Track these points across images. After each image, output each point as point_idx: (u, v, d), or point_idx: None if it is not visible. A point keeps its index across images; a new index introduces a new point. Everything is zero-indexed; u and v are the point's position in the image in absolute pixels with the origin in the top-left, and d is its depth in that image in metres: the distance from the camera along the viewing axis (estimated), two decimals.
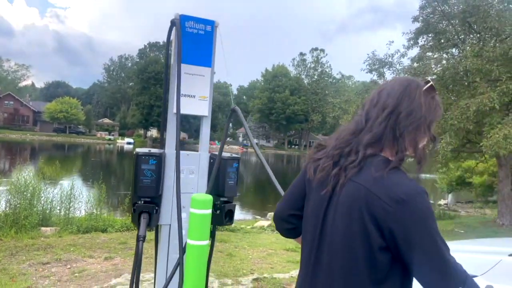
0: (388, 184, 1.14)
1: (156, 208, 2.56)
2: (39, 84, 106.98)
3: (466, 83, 8.68)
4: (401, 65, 10.73)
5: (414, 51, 10.61)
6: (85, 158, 40.59)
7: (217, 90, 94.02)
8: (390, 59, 11.26)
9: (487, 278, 1.68)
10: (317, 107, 76.72)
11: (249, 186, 27.09)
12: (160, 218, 2.62)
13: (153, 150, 2.58)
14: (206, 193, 2.64)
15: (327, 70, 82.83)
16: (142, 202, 2.52)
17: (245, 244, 6.88)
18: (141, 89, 66.87)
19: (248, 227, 8.80)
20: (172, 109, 2.62)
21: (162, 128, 2.78)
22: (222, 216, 2.71)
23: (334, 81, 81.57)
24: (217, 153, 2.77)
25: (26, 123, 69.50)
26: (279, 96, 74.68)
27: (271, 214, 11.35)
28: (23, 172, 7.54)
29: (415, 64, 10.05)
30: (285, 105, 74.69)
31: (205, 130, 2.80)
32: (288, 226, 1.55)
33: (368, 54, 11.66)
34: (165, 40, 2.58)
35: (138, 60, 78.55)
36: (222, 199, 2.74)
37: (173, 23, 2.58)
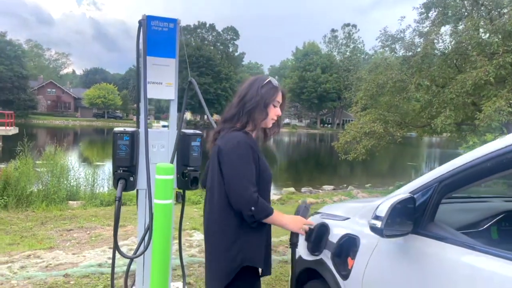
0: (227, 139, 1.89)
1: (133, 176, 3.18)
2: (79, 71, 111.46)
3: (466, 58, 8.71)
4: (411, 40, 10.75)
5: (423, 27, 10.60)
6: None
7: (249, 71, 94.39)
8: (401, 35, 11.30)
9: (353, 220, 2.17)
10: (349, 85, 75.39)
11: (277, 163, 27.65)
12: (137, 184, 3.24)
13: (127, 129, 3.17)
14: (170, 162, 3.22)
15: (360, 46, 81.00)
16: (121, 170, 3.13)
17: None
18: None
19: None
20: (142, 94, 3.18)
21: (137, 110, 3.36)
22: (188, 182, 3.29)
23: (367, 57, 79.65)
24: (186, 131, 3.34)
25: (68, 110, 72.95)
26: (310, 74, 74.00)
27: (286, 190, 11.89)
28: (55, 154, 8.48)
29: (417, 40, 10.12)
30: (317, 83, 73.98)
31: (173, 111, 3.36)
32: None
33: (380, 31, 11.73)
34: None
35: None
36: (189, 168, 3.31)
37: (140, 23, 3.13)
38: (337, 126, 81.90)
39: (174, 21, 3.26)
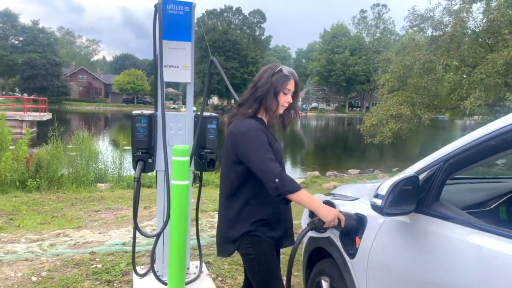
0: (238, 124, 1.95)
1: (151, 157, 3.27)
2: (109, 58, 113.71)
3: (499, 36, 8.32)
4: (441, 19, 10.35)
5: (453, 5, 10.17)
6: None
7: (276, 54, 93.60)
8: (431, 14, 10.90)
9: (363, 200, 2.17)
10: (378, 67, 73.69)
11: (303, 148, 27.54)
12: (156, 165, 3.33)
13: (145, 111, 3.26)
14: (193, 145, 3.30)
15: (390, 27, 78.68)
16: (140, 152, 3.23)
17: None
18: (200, 57, 68.42)
19: None
20: (159, 78, 3.24)
21: (154, 94, 3.42)
22: (205, 164, 3.35)
23: (397, 38, 77.36)
24: (204, 113, 3.40)
25: (99, 95, 74.80)
26: (339, 57, 72.64)
27: (310, 173, 11.87)
28: (85, 139, 8.76)
29: (446, 19, 9.71)
30: (345, 66, 72.60)
31: (189, 94, 3.41)
32: None
33: (408, 10, 11.36)
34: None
35: (196, 28, 79.92)
36: (205, 150, 3.37)
37: (156, 7, 3.16)
38: (366, 110, 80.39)
39: (190, 4, 3.29)
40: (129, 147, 12.53)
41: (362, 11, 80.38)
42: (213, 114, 3.43)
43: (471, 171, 1.90)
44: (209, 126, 3.36)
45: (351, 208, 2.16)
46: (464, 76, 9.23)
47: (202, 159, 3.38)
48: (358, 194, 2.24)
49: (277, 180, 1.77)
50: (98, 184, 7.76)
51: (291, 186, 1.79)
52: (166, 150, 3.11)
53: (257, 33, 76.21)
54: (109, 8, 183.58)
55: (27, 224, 5.01)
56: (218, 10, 72.67)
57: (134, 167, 3.21)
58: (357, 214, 2.08)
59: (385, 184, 1.56)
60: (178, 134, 3.42)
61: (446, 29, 9.43)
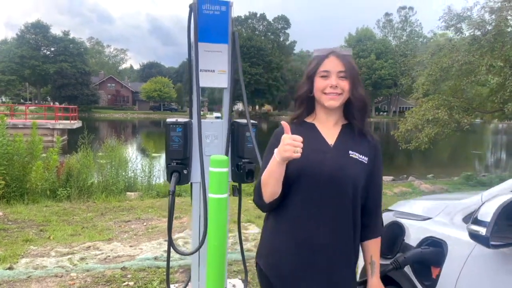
0: None
1: (186, 168, 3.04)
2: (136, 66, 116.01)
3: None
4: (480, 18, 9.83)
5: (493, 4, 9.63)
6: None
7: (300, 59, 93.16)
8: (468, 13, 10.39)
9: (437, 220, 1.86)
10: (406, 70, 72.31)
11: None
12: (191, 177, 3.10)
13: (180, 119, 3.04)
14: (225, 154, 3.05)
15: (417, 30, 77.04)
16: (174, 163, 3.01)
17: None
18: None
19: None
20: (194, 83, 3.02)
21: (189, 101, 3.21)
22: (243, 175, 3.10)
23: (425, 40, 75.57)
24: (240, 120, 3.16)
25: (127, 103, 76.27)
26: (364, 61, 71.55)
27: None
28: (114, 147, 8.71)
29: (488, 17, 9.19)
30: (371, 70, 71.44)
31: (226, 100, 3.17)
32: None
33: (443, 10, 10.86)
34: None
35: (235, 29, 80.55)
36: (243, 160, 3.12)
37: (191, 7, 2.95)
38: (393, 114, 78.80)
39: (227, 3, 3.06)
40: (158, 154, 12.47)
41: (387, 14, 79.06)
42: (252, 121, 3.18)
43: None
44: (247, 134, 3.11)
45: (423, 229, 1.86)
46: (508, 77, 8.68)
47: (240, 170, 3.13)
48: (429, 213, 1.93)
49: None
50: (128, 193, 7.65)
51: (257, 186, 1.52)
52: (202, 160, 2.89)
53: (281, 38, 76.13)
54: (136, 16, 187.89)
55: (57, 236, 4.89)
56: (243, 17, 73.01)
57: (169, 179, 2.99)
58: (431, 238, 1.77)
59: (487, 207, 1.26)
60: (214, 143, 3.19)
61: (488, 28, 8.92)
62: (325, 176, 1.45)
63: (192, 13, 2.95)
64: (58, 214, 6.07)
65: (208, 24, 3.02)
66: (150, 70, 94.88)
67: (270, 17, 75.28)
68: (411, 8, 77.15)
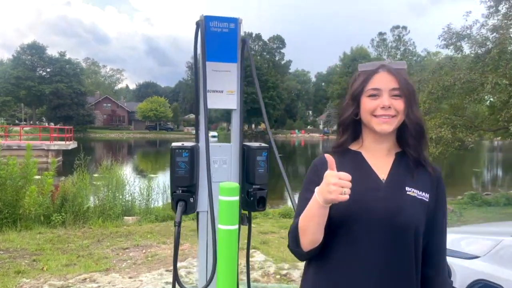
0: None
1: (193, 196, 2.81)
2: (132, 86, 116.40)
3: None
4: (481, 36, 9.81)
5: (493, 22, 9.64)
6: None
7: (295, 78, 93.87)
8: (468, 31, 10.37)
9: (488, 259, 1.63)
10: None
11: None
12: (197, 206, 2.86)
13: (186, 144, 2.81)
14: (240, 180, 2.83)
15: (411, 48, 78.19)
16: (180, 191, 2.78)
17: None
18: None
19: None
20: (202, 105, 2.82)
21: (196, 123, 3.00)
22: (254, 203, 2.87)
23: (419, 59, 76.60)
24: (250, 144, 2.95)
25: (122, 123, 76.08)
26: None
27: None
28: (110, 168, 8.46)
29: (491, 35, 9.15)
30: None
31: (236, 122, 2.96)
32: None
33: (443, 28, 10.86)
34: (242, 34, 2.82)
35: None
36: (254, 186, 2.90)
37: (198, 24, 2.77)
38: None
39: (235, 20, 2.88)
40: (155, 175, 12.21)
41: (381, 34, 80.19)
42: (263, 144, 2.97)
43: None
44: (258, 158, 2.88)
45: (470, 271, 1.63)
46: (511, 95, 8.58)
47: (251, 197, 2.90)
48: (475, 250, 1.70)
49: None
50: (125, 217, 7.36)
51: (292, 233, 1.28)
52: (211, 187, 2.67)
53: (277, 58, 76.87)
54: (133, 37, 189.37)
55: (51, 267, 4.61)
56: None
57: (174, 208, 2.75)
58: (482, 282, 1.54)
59: None
60: (222, 168, 2.97)
61: (490, 46, 8.87)
62: (377, 220, 1.20)
63: (199, 31, 2.77)
64: (52, 241, 5.78)
65: (216, 42, 2.84)
66: (146, 90, 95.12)
67: (265, 37, 76.24)
68: (404, 28, 78.40)
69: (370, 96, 1.25)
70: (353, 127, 1.33)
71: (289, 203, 9.98)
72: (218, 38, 2.84)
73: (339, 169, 1.14)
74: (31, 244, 5.56)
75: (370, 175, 1.28)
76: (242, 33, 2.90)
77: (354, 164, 1.29)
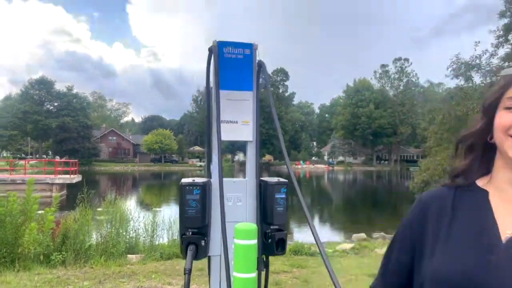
0: None
1: (204, 238, 2.52)
2: (138, 119, 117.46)
3: None
4: (490, 66, 9.70)
5: (504, 51, 9.55)
6: (177, 185, 43.30)
7: (299, 110, 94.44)
8: (477, 61, 10.26)
9: None
10: (405, 119, 73.19)
11: (335, 205, 26.29)
12: (209, 249, 2.57)
13: (197, 180, 2.54)
14: (257, 221, 2.55)
15: (413, 80, 78.83)
16: (190, 233, 2.49)
17: (323, 270, 6.57)
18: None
19: (330, 250, 8.44)
20: (215, 137, 2.58)
21: (207, 157, 2.75)
22: (273, 245, 2.57)
23: (422, 90, 77.05)
24: (267, 179, 2.67)
25: (128, 156, 76.18)
26: (363, 110, 72.58)
27: (356, 236, 10.79)
28: (114, 203, 8.17)
29: (506, 64, 9.02)
30: (370, 119, 72.26)
31: (251, 155, 2.70)
32: None
33: (451, 59, 10.78)
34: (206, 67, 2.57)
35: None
36: (272, 227, 2.61)
37: (210, 50, 2.57)
38: (394, 163, 78.55)
39: (250, 46, 2.67)
40: (159, 209, 11.84)
41: (383, 65, 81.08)
42: (281, 179, 2.69)
43: None
44: (277, 196, 2.58)
45: None
46: None
47: (269, 239, 2.59)
48: None
49: None
50: (129, 255, 7.00)
51: None
52: (225, 229, 2.37)
53: (281, 90, 77.67)
54: (139, 71, 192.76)
55: None
56: None
57: (183, 253, 2.44)
58: None
59: None
60: (237, 206, 2.66)
61: None
62: None
63: (212, 57, 2.57)
64: (51, 283, 5.43)
65: (230, 69, 2.62)
66: (151, 123, 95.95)
67: (269, 69, 77.26)
68: (406, 60, 79.34)
69: (507, 108, 0.88)
70: (483, 151, 0.95)
71: (300, 238, 9.57)
72: (233, 65, 2.63)
73: (454, 214, 0.88)
74: (29, 286, 5.21)
75: (488, 228, 0.86)
76: (257, 60, 2.70)
77: (476, 209, 0.90)
